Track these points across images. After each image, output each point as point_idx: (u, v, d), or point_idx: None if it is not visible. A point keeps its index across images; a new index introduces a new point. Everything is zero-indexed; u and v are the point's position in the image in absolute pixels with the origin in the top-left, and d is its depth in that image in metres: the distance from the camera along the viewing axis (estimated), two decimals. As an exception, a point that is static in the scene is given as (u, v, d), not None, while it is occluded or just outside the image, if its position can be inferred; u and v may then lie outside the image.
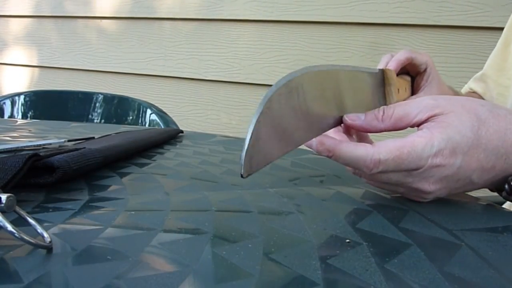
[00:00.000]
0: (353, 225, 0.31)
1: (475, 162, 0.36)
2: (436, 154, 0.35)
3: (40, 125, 0.76)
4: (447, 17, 1.12)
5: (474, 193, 0.43)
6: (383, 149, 0.35)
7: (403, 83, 0.50)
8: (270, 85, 0.28)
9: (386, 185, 0.39)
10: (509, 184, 0.38)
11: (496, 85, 0.72)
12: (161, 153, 0.55)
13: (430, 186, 0.37)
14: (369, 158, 0.35)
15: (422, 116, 0.36)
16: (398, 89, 0.46)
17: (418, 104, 0.37)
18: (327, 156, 0.36)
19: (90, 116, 1.17)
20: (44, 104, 1.19)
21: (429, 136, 0.35)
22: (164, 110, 1.13)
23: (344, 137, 0.39)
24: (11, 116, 1.16)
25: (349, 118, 0.37)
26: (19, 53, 1.70)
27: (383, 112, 0.37)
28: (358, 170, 0.38)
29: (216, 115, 1.41)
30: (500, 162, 0.37)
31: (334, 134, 0.39)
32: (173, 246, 0.26)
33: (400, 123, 0.37)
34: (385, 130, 0.38)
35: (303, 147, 0.36)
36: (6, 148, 0.47)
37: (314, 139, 0.35)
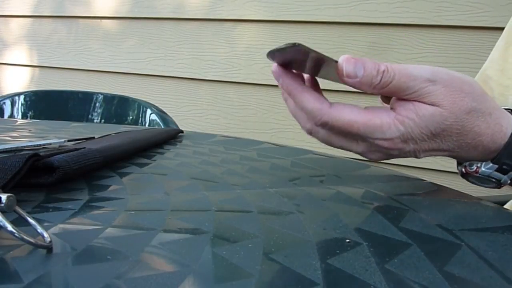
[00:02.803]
0: (353, 225, 0.31)
1: (423, 149, 0.39)
2: (387, 139, 0.38)
3: (40, 125, 0.76)
4: (447, 17, 1.12)
5: (474, 193, 0.43)
6: (336, 114, 0.37)
7: None
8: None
9: (333, 144, 0.41)
10: (464, 167, 0.43)
11: (497, 85, 0.72)
12: (161, 153, 0.55)
13: (372, 155, 0.40)
14: (319, 116, 0.38)
15: (412, 97, 0.37)
16: None
17: (416, 84, 0.37)
18: (286, 92, 0.40)
19: (90, 116, 1.17)
20: (44, 104, 1.19)
21: (387, 122, 0.37)
22: (164, 110, 1.13)
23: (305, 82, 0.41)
24: (11, 116, 1.16)
25: (347, 70, 0.37)
26: (19, 53, 1.70)
27: (380, 79, 0.36)
28: (304, 119, 0.41)
29: (216, 115, 1.41)
30: (448, 152, 0.40)
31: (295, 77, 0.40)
32: (173, 246, 0.26)
33: (390, 95, 0.38)
34: (376, 94, 0.39)
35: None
36: (6, 148, 0.47)
37: (280, 71, 0.40)
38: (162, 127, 1.06)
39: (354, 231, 0.30)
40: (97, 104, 1.18)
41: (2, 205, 0.25)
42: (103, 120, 1.16)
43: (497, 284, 0.24)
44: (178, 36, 1.45)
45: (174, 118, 1.11)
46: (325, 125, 0.38)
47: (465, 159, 0.43)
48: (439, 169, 1.13)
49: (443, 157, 0.44)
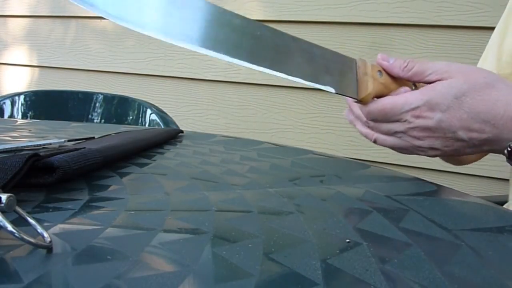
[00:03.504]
0: (353, 225, 0.31)
1: (457, 120, 0.43)
2: (414, 109, 0.44)
3: (40, 125, 0.76)
4: (447, 17, 1.12)
5: (474, 193, 0.43)
6: (373, 104, 0.46)
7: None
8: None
9: (389, 139, 0.48)
10: (509, 148, 0.44)
11: None
12: (161, 153, 0.55)
13: (419, 133, 0.45)
14: (363, 109, 0.47)
15: (432, 78, 0.45)
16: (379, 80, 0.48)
17: (434, 67, 0.45)
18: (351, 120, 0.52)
19: (90, 116, 1.17)
20: (44, 104, 1.19)
21: (410, 96, 0.45)
22: (164, 110, 1.13)
23: None
24: (11, 116, 1.16)
25: (382, 56, 0.48)
26: (19, 53, 1.70)
27: (406, 65, 0.46)
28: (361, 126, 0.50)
29: (216, 115, 1.41)
30: (487, 126, 0.43)
31: None
32: (173, 246, 0.26)
33: (414, 77, 0.46)
34: (403, 78, 0.47)
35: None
36: (6, 148, 0.47)
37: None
38: (162, 127, 1.06)
39: (354, 231, 0.30)
40: (97, 104, 1.18)
41: (2, 205, 0.25)
42: (103, 120, 1.16)
43: (497, 284, 0.24)
44: (178, 36, 1.45)
45: (174, 118, 1.11)
46: (368, 114, 0.47)
47: (509, 139, 0.44)
48: (439, 169, 1.13)
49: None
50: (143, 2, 0.35)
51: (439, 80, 0.44)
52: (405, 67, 0.46)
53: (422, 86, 0.48)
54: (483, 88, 0.43)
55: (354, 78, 0.46)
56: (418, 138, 0.45)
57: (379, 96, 0.47)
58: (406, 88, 0.47)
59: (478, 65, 0.76)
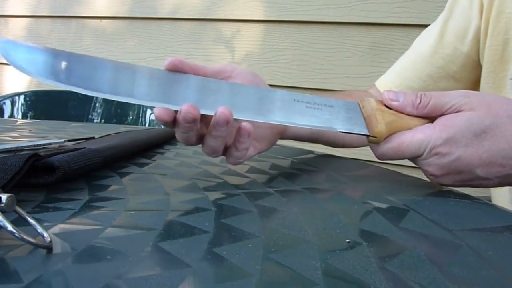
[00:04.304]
0: (353, 225, 0.31)
1: (476, 158, 0.40)
2: (431, 148, 0.40)
3: (40, 125, 0.76)
4: (447, 17, 1.11)
5: (474, 193, 0.43)
6: (387, 143, 0.41)
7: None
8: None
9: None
10: None
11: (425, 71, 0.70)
12: (161, 153, 0.55)
13: (434, 171, 0.41)
14: (377, 151, 0.42)
15: (451, 112, 0.41)
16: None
17: (452, 100, 0.41)
18: None
19: (90, 116, 1.17)
20: (44, 104, 1.19)
21: (429, 133, 0.40)
22: (164, 110, 1.13)
23: None
24: (11, 116, 1.16)
25: (388, 95, 0.42)
26: (19, 53, 1.70)
27: (420, 101, 0.41)
28: None
29: (216, 115, 1.41)
30: (509, 162, 0.40)
31: None
32: (173, 246, 0.26)
33: (431, 114, 0.41)
34: (417, 116, 0.42)
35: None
36: (6, 148, 0.47)
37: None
38: (162, 127, 1.06)
39: (354, 231, 0.30)
40: (97, 104, 1.18)
41: (2, 205, 0.25)
42: (103, 120, 1.16)
43: (497, 284, 0.24)
44: (178, 36, 1.45)
45: (174, 118, 1.10)
46: (382, 155, 0.42)
47: None
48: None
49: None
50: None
51: (458, 112, 0.40)
52: (419, 104, 0.41)
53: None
54: (504, 124, 0.40)
55: (361, 116, 0.42)
56: (431, 174, 0.42)
57: (394, 133, 0.42)
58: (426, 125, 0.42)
59: (422, 34, 0.74)
